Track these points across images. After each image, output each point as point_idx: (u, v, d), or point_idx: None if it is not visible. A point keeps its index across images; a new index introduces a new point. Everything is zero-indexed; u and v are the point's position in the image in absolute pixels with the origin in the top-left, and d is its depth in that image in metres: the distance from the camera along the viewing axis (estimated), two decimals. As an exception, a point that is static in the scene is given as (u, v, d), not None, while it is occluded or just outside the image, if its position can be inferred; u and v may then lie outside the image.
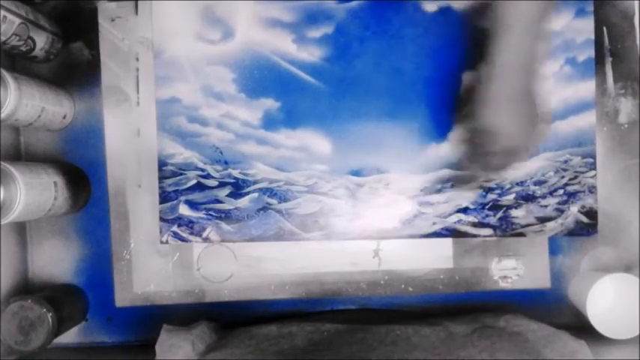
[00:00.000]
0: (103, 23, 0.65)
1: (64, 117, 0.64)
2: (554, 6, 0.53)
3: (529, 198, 0.66)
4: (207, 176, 0.65)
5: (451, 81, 0.65)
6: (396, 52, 0.65)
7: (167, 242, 0.64)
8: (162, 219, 0.64)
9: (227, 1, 0.64)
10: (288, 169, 0.65)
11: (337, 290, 0.67)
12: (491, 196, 0.65)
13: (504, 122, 0.54)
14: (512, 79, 0.53)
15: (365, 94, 0.65)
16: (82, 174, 0.65)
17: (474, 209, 0.65)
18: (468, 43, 0.64)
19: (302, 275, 0.66)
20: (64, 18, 0.65)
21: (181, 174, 0.64)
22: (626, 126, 0.68)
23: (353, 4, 0.65)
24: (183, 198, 0.64)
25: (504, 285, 0.67)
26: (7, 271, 0.62)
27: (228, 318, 0.66)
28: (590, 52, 0.66)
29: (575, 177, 0.66)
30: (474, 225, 0.65)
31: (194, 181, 0.64)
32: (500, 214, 0.65)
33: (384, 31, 0.65)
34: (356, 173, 0.65)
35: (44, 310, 0.57)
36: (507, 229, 0.65)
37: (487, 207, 0.65)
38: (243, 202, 0.65)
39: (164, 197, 0.64)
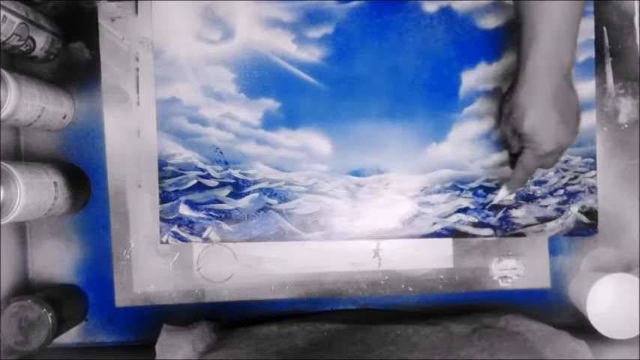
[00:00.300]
0: (103, 23, 0.65)
1: (64, 117, 0.64)
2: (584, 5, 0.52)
3: (529, 198, 0.66)
4: (208, 176, 0.65)
5: (451, 81, 0.65)
6: (396, 52, 0.65)
7: (167, 242, 0.64)
8: (162, 219, 0.64)
9: (227, 1, 0.64)
10: (288, 169, 0.65)
11: (337, 290, 0.67)
12: (491, 196, 0.65)
13: (551, 124, 0.52)
14: (552, 79, 0.51)
15: (365, 94, 0.65)
16: (82, 174, 0.65)
17: (474, 209, 0.65)
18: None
19: (302, 275, 0.66)
20: (64, 18, 0.65)
21: (181, 174, 0.64)
22: (626, 126, 0.68)
23: (353, 4, 0.65)
24: (183, 198, 0.64)
25: (504, 285, 0.67)
26: (7, 271, 0.62)
27: (228, 318, 0.66)
28: (590, 52, 0.66)
29: (576, 177, 0.66)
30: (474, 225, 0.65)
31: (194, 182, 0.64)
32: (500, 214, 0.65)
33: (384, 31, 0.65)
34: (356, 173, 0.65)
35: (44, 310, 0.57)
36: (507, 229, 0.65)
37: (487, 207, 0.65)
38: (243, 203, 0.65)
39: (164, 197, 0.64)
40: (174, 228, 0.64)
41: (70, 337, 0.65)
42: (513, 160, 0.60)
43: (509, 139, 0.58)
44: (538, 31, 0.50)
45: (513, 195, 0.62)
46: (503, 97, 0.57)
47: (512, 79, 0.54)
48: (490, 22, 0.65)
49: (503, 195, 0.62)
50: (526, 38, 0.51)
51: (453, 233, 0.65)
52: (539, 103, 0.51)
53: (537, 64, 0.51)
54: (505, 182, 0.61)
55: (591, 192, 0.66)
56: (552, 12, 0.50)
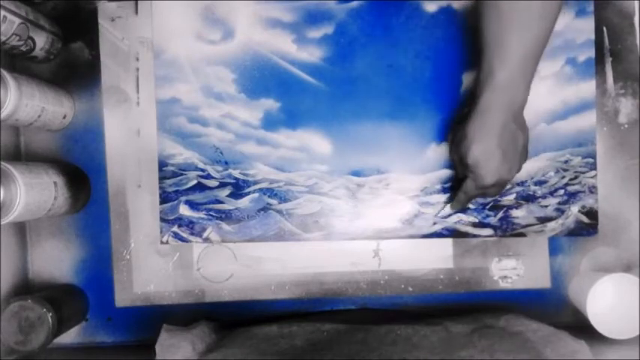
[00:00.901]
0: (103, 23, 0.65)
1: (64, 117, 0.64)
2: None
3: (529, 198, 0.66)
4: (208, 176, 0.65)
5: (452, 81, 0.65)
6: (396, 53, 0.65)
7: (167, 242, 0.64)
8: (162, 219, 0.64)
9: (227, 1, 0.64)
10: (289, 170, 0.65)
11: (337, 290, 0.67)
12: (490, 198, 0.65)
13: (494, 160, 0.54)
14: (500, 118, 0.53)
15: (365, 95, 0.65)
16: (82, 174, 0.65)
17: (475, 209, 0.65)
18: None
19: (302, 275, 0.66)
20: (64, 18, 0.65)
21: (182, 174, 0.64)
22: (626, 126, 0.68)
23: (353, 4, 0.65)
24: (183, 198, 0.64)
25: (504, 285, 0.67)
26: (7, 271, 0.62)
27: (228, 318, 0.66)
28: (590, 52, 0.66)
29: (576, 177, 0.66)
30: (475, 225, 0.65)
31: (194, 182, 0.64)
32: (500, 214, 0.65)
33: (384, 31, 0.65)
34: (356, 173, 0.65)
35: (44, 310, 0.57)
36: (508, 229, 0.65)
37: (487, 207, 0.65)
38: (243, 203, 0.65)
39: (164, 197, 0.64)
40: (175, 228, 0.64)
41: (70, 337, 0.65)
42: (458, 183, 0.62)
43: (456, 165, 0.60)
44: (495, 70, 0.51)
45: (513, 195, 0.63)
46: (457, 124, 0.59)
47: (468, 108, 0.56)
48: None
49: (447, 212, 0.65)
50: (483, 74, 0.53)
51: (453, 233, 0.66)
52: (486, 139, 0.53)
53: (490, 102, 0.53)
54: (451, 202, 0.64)
55: (591, 192, 0.66)
56: (510, 55, 0.51)
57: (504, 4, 0.50)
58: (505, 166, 0.55)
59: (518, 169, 0.57)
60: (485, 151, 0.54)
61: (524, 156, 0.57)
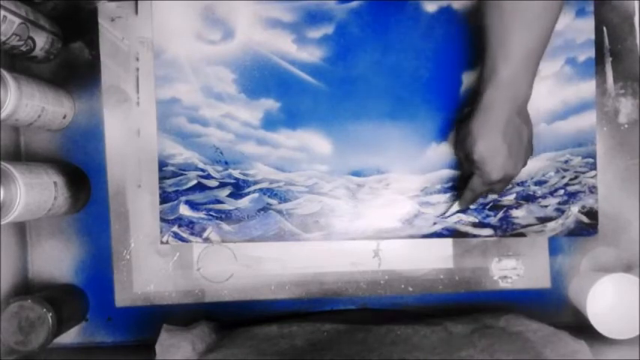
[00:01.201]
0: (103, 23, 0.65)
1: (64, 117, 0.64)
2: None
3: (529, 198, 0.66)
4: (208, 177, 0.65)
5: (452, 81, 0.65)
6: (397, 53, 0.65)
7: (167, 242, 0.64)
8: (162, 219, 0.64)
9: (227, 1, 0.64)
10: (289, 170, 0.65)
11: (337, 290, 0.67)
12: (491, 196, 0.65)
13: (500, 155, 0.54)
14: (504, 114, 0.53)
15: (365, 95, 0.65)
16: (82, 174, 0.65)
17: (475, 209, 0.65)
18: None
19: (302, 275, 0.66)
20: (64, 18, 0.65)
21: (182, 174, 0.64)
22: (626, 126, 0.68)
23: (353, 4, 0.65)
24: (183, 198, 0.64)
25: (504, 285, 0.67)
26: (7, 271, 0.62)
27: (228, 318, 0.66)
28: (590, 52, 0.66)
29: (576, 177, 0.66)
30: (475, 225, 0.65)
31: (194, 182, 0.64)
32: (500, 214, 0.65)
33: (385, 31, 0.65)
34: (356, 173, 0.65)
35: (44, 310, 0.57)
36: (508, 229, 0.65)
37: (487, 207, 0.65)
38: (243, 203, 0.65)
39: (164, 197, 0.64)
40: (175, 228, 0.64)
41: (70, 337, 0.65)
42: (464, 182, 0.62)
43: (462, 162, 0.60)
44: (498, 68, 0.52)
45: (513, 195, 0.63)
46: (461, 122, 0.59)
47: (471, 106, 0.56)
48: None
49: (454, 210, 0.65)
50: (487, 71, 0.53)
51: (453, 233, 0.65)
52: (490, 134, 0.54)
53: (493, 98, 0.53)
54: (457, 200, 0.64)
55: (591, 192, 0.66)
56: (513, 53, 0.51)
57: (507, 4, 0.50)
58: (511, 161, 0.55)
59: (524, 164, 0.58)
60: (490, 147, 0.54)
61: (529, 150, 0.58)
